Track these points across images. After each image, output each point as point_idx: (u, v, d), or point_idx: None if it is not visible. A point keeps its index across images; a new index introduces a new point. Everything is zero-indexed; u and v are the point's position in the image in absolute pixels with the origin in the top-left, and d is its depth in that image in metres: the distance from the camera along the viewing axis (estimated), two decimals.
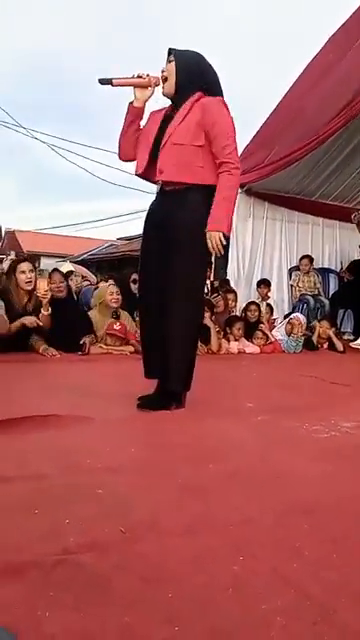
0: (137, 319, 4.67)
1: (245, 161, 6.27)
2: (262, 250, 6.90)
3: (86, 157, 10.81)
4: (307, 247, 7.19)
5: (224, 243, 2.33)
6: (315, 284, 6.87)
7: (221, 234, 2.31)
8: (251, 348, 5.19)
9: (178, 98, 2.44)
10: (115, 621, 0.89)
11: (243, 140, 6.21)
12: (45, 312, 3.92)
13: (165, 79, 2.46)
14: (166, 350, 2.39)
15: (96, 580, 0.99)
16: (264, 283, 6.49)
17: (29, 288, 3.90)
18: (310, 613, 0.95)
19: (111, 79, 2.45)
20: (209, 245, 2.33)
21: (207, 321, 4.86)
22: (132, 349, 4.34)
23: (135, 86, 2.51)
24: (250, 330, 5.35)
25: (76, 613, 0.90)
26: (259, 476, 1.63)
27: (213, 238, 2.32)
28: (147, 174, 2.47)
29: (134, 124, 2.55)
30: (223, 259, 6.87)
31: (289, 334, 5.45)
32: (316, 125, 5.48)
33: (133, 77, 2.50)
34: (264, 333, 5.36)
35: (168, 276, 2.37)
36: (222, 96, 2.47)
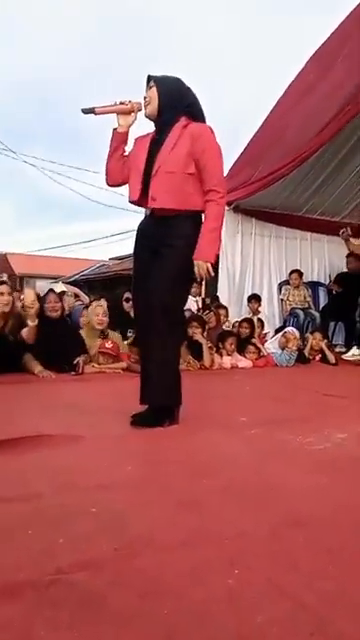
0: (129, 339, 4.72)
1: (232, 179, 6.36)
2: (252, 266, 6.97)
3: (77, 179, 10.92)
4: (296, 261, 7.27)
5: (212, 273, 2.43)
6: (305, 298, 6.93)
7: (209, 264, 2.40)
8: (244, 362, 5.20)
9: (162, 121, 2.50)
10: (111, 639, 0.88)
11: (230, 158, 6.32)
12: (31, 323, 3.91)
13: (148, 104, 2.52)
14: (149, 366, 2.45)
15: (91, 598, 0.99)
16: (254, 298, 6.54)
17: (5, 310, 3.90)
18: (307, 624, 0.95)
19: (93, 108, 2.50)
20: (196, 273, 2.41)
21: (199, 337, 4.88)
22: (124, 365, 4.35)
23: (118, 113, 2.56)
24: (242, 345, 5.37)
25: (71, 632, 0.90)
26: (253, 489, 1.63)
27: (201, 268, 2.40)
28: (140, 201, 2.52)
29: (119, 150, 2.61)
30: (213, 276, 6.93)
31: (283, 348, 5.47)
32: (300, 142, 5.61)
33: (115, 104, 2.55)
34: (256, 347, 5.39)
35: (152, 295, 2.43)
36: (204, 119, 2.54)
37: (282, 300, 7.00)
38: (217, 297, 6.56)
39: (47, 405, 2.86)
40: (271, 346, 5.60)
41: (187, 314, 5.52)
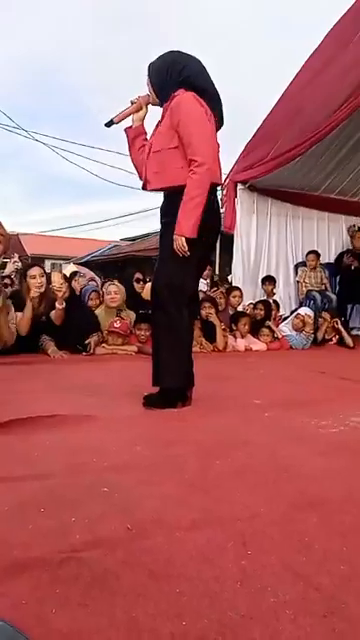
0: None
1: (248, 156, 6.26)
2: (267, 246, 6.87)
3: (88, 158, 10.84)
4: (313, 242, 7.15)
5: (184, 249, 2.35)
6: (322, 279, 6.83)
7: (183, 239, 2.34)
8: (258, 345, 5.17)
9: (162, 104, 2.52)
10: (123, 617, 0.88)
11: (245, 136, 6.21)
12: (59, 306, 3.95)
13: (149, 94, 2.57)
14: (158, 348, 2.46)
15: (103, 576, 0.99)
16: (269, 280, 6.47)
17: (40, 292, 3.93)
18: (320, 606, 0.94)
19: (112, 119, 2.59)
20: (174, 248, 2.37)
21: (213, 318, 4.84)
22: (135, 349, 4.35)
23: (132, 113, 2.61)
24: (256, 327, 5.33)
25: (83, 609, 0.90)
26: (267, 471, 1.62)
27: (176, 242, 2.36)
28: (145, 187, 2.56)
29: (136, 142, 2.63)
30: (227, 256, 6.86)
31: (296, 330, 5.42)
32: (318, 119, 5.46)
33: (128, 107, 2.60)
34: (271, 330, 5.34)
35: (154, 277, 2.49)
36: (205, 87, 2.47)
37: (298, 282, 6.91)
38: (226, 279, 6.51)
39: (60, 385, 2.88)
40: (285, 328, 5.55)
41: (200, 295, 5.51)
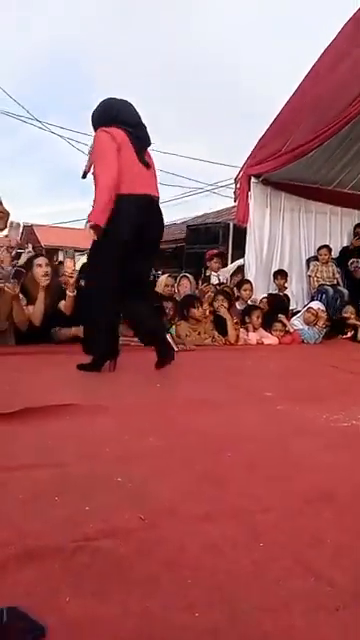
0: None
1: (261, 151, 6.21)
2: (280, 240, 6.83)
3: None
4: (325, 237, 7.10)
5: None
6: (334, 274, 6.77)
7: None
8: (270, 339, 5.14)
9: None
10: (136, 606, 0.89)
11: (258, 130, 6.16)
12: (70, 293, 3.93)
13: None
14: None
15: (116, 566, 1.00)
16: (280, 274, 6.43)
17: (46, 282, 3.92)
18: (332, 599, 0.94)
19: (85, 171, 3.07)
20: None
21: (224, 312, 4.83)
22: None
23: None
24: (268, 321, 5.30)
25: (96, 598, 0.90)
26: (278, 464, 1.62)
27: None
28: None
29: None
30: (240, 250, 6.83)
31: (309, 324, 5.39)
32: (332, 113, 5.39)
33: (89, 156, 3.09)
34: (283, 323, 5.31)
35: None
36: (129, 116, 3.06)
37: (310, 276, 6.86)
38: (237, 273, 6.49)
39: (73, 376, 2.89)
40: (297, 322, 5.52)
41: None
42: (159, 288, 5.67)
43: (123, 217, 2.88)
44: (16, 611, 0.80)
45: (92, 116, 3.10)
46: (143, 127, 3.11)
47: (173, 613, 0.88)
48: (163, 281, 5.83)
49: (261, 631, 0.85)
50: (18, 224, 3.65)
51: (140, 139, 3.06)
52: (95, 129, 3.03)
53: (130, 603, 0.89)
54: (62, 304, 3.98)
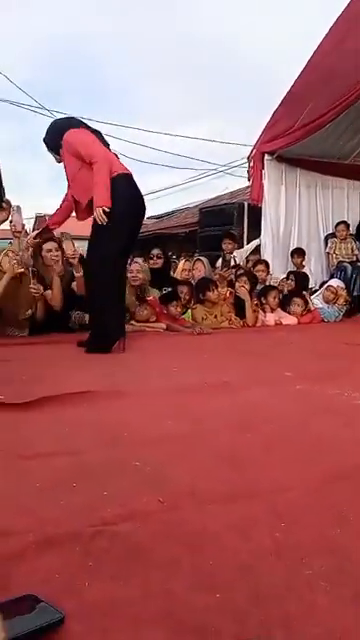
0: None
1: (274, 127, 6.10)
2: (297, 218, 6.72)
3: (112, 136, 10.76)
4: (343, 213, 6.97)
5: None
6: (353, 250, 6.66)
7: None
8: (288, 319, 5.09)
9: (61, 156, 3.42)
10: (157, 589, 0.88)
11: (270, 106, 6.04)
12: (77, 274, 3.94)
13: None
14: None
15: (135, 549, 0.99)
16: (298, 252, 6.35)
17: (58, 266, 3.93)
18: (356, 578, 0.92)
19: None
20: None
21: (244, 294, 4.78)
22: (164, 326, 4.32)
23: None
24: (288, 299, 5.23)
25: (117, 582, 0.90)
26: (299, 444, 1.59)
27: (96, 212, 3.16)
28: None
29: (61, 211, 3.80)
30: (256, 231, 6.74)
31: (328, 302, 5.32)
32: (346, 84, 5.26)
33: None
34: (304, 300, 5.21)
35: None
36: (72, 125, 3.38)
37: (328, 254, 6.76)
38: (254, 253, 6.42)
39: (90, 362, 2.90)
40: (316, 301, 5.45)
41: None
42: (177, 272, 5.64)
43: (122, 194, 3.09)
44: (34, 598, 0.80)
45: (54, 129, 3.36)
46: (101, 133, 3.46)
47: (195, 594, 0.87)
48: (181, 266, 5.80)
49: (284, 611, 0.84)
50: (19, 207, 3.66)
51: (103, 139, 3.38)
52: (61, 137, 3.27)
53: (150, 585, 0.89)
54: (73, 285, 3.99)
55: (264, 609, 0.84)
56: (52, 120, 3.54)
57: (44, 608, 0.79)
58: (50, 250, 3.96)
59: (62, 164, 3.38)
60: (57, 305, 3.92)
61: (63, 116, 3.65)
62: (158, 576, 0.91)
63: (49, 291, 3.89)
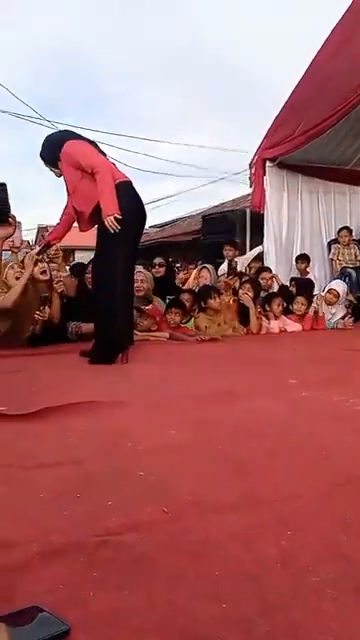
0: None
1: (275, 134, 6.11)
2: (300, 224, 6.72)
3: (111, 145, 10.84)
4: (346, 218, 6.96)
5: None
6: (356, 256, 6.64)
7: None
8: (293, 326, 5.07)
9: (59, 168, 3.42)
10: (161, 599, 0.87)
11: (270, 114, 6.06)
12: (64, 273, 3.97)
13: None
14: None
15: (140, 559, 0.98)
16: (302, 258, 6.34)
17: (45, 278, 3.92)
18: None
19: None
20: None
21: (247, 300, 4.77)
22: (167, 335, 4.30)
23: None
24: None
25: (121, 592, 0.89)
26: (304, 451, 1.58)
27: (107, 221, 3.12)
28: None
29: (61, 224, 3.72)
30: (259, 237, 6.75)
31: (331, 304, 5.30)
32: (346, 89, 5.26)
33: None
34: (309, 301, 5.16)
35: None
36: (69, 137, 3.40)
37: (332, 260, 6.74)
38: (255, 260, 6.42)
39: (92, 373, 2.90)
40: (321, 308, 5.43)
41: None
42: (189, 283, 5.65)
43: (125, 201, 3.11)
44: (39, 610, 0.80)
45: (50, 143, 3.38)
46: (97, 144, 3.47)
47: (200, 605, 0.86)
48: (193, 274, 5.83)
49: (290, 620, 0.83)
50: (19, 222, 3.69)
51: (99, 149, 3.40)
52: (59, 149, 3.28)
53: (155, 596, 0.88)
54: (63, 287, 4.02)
55: (270, 618, 0.83)
56: (46, 135, 3.50)
57: (49, 619, 0.79)
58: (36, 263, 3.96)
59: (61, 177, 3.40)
60: (56, 318, 3.92)
61: (56, 130, 3.77)
62: (163, 586, 0.91)
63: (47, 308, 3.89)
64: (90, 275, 4.16)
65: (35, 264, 3.72)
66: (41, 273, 3.85)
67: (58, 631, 0.76)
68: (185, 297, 4.78)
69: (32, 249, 5.52)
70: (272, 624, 0.82)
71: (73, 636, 0.77)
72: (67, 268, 5.22)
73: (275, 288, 5.68)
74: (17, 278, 3.68)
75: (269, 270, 5.78)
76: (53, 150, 3.32)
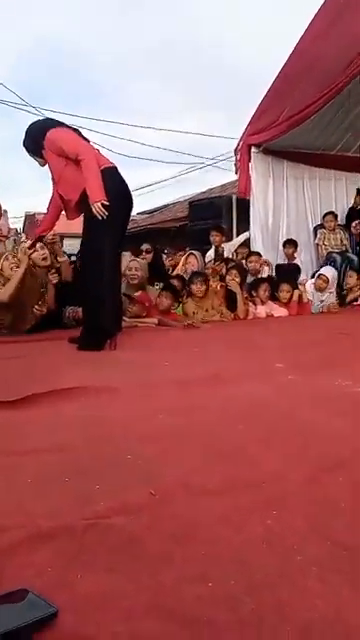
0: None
1: (260, 119, 6.08)
2: (285, 210, 6.72)
3: (98, 131, 10.71)
4: (331, 203, 6.98)
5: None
6: (342, 241, 6.68)
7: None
8: (279, 311, 5.09)
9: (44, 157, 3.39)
10: (149, 581, 0.88)
11: (254, 99, 6.03)
12: (62, 258, 4.06)
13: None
14: None
15: (128, 542, 0.99)
16: (289, 243, 6.35)
17: (46, 264, 3.92)
18: (347, 564, 0.93)
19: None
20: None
21: (234, 286, 4.78)
22: (156, 321, 4.31)
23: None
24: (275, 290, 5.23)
25: (109, 574, 0.90)
26: (291, 434, 1.60)
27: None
28: None
29: (50, 213, 3.73)
30: (245, 223, 6.74)
31: (320, 290, 5.33)
32: (332, 73, 5.25)
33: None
34: (292, 287, 5.17)
35: None
36: (52, 125, 3.38)
37: (317, 245, 6.77)
38: (242, 246, 6.42)
39: (81, 358, 2.89)
40: (309, 291, 5.46)
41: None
42: (178, 269, 5.65)
43: (111, 187, 3.11)
44: (27, 593, 0.80)
45: (34, 131, 3.36)
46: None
47: (187, 585, 0.87)
48: (181, 261, 5.83)
49: (276, 598, 0.84)
50: (5, 210, 3.69)
51: (82, 136, 3.40)
52: (42, 137, 3.27)
53: (143, 578, 0.89)
54: (62, 273, 4.04)
55: (257, 597, 0.84)
56: (29, 124, 3.48)
57: (37, 602, 0.79)
58: (36, 250, 3.94)
59: (45, 166, 3.39)
60: (52, 305, 3.92)
61: (39, 118, 3.68)
62: (150, 568, 0.91)
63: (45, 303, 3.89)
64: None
65: (29, 257, 3.72)
66: (42, 259, 3.85)
67: (46, 613, 0.76)
68: (174, 283, 4.79)
69: (20, 237, 5.48)
70: (259, 602, 0.83)
71: (61, 618, 0.77)
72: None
73: (265, 272, 5.69)
74: (12, 269, 3.66)
75: (258, 254, 5.78)
76: (37, 138, 3.30)
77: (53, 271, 3.98)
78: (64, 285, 4.04)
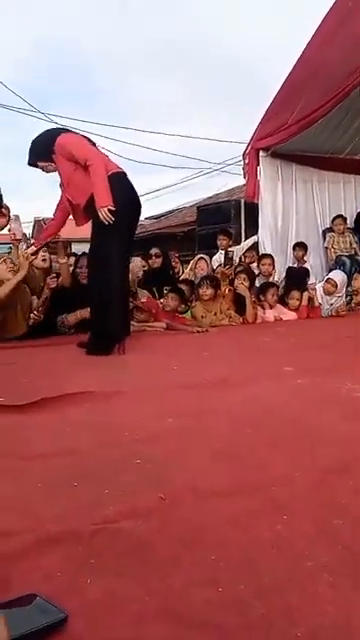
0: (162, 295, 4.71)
1: (268, 123, 6.08)
2: (294, 214, 6.70)
3: (107, 137, 10.76)
4: (340, 207, 6.95)
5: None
6: (351, 244, 6.64)
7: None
8: (288, 315, 5.07)
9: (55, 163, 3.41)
10: (158, 585, 0.88)
11: (262, 103, 6.03)
12: (62, 260, 4.04)
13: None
14: None
15: (137, 546, 0.99)
16: (299, 246, 6.32)
17: (45, 265, 3.94)
18: (357, 568, 0.92)
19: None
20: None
21: (243, 290, 4.77)
22: (164, 325, 4.31)
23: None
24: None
25: (118, 579, 0.90)
26: (300, 437, 1.59)
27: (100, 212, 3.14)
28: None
29: (57, 218, 3.74)
30: (253, 227, 6.73)
31: (329, 294, 5.31)
32: (339, 77, 5.24)
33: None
34: (300, 293, 5.16)
35: None
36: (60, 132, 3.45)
37: (326, 248, 6.74)
38: (250, 250, 6.40)
39: (88, 363, 2.90)
40: (318, 296, 5.44)
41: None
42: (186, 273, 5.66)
43: (119, 192, 3.14)
44: (35, 598, 0.80)
45: (45, 137, 3.39)
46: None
47: (196, 589, 0.87)
48: (190, 265, 5.84)
49: (285, 603, 0.84)
50: (17, 216, 3.72)
51: (91, 142, 3.45)
52: (52, 143, 3.30)
53: (152, 582, 0.89)
54: (60, 278, 4.03)
55: (266, 601, 0.84)
56: (36, 135, 3.50)
57: (46, 607, 0.79)
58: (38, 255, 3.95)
59: (51, 173, 3.43)
60: (44, 312, 3.92)
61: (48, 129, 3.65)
62: (160, 572, 0.91)
63: (35, 298, 3.89)
64: (80, 269, 4.18)
65: (30, 263, 3.73)
66: (42, 261, 3.87)
67: (55, 619, 0.76)
68: (183, 288, 4.80)
69: (29, 242, 5.51)
70: (268, 607, 0.82)
71: (70, 624, 0.77)
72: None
73: (275, 276, 5.68)
74: (9, 272, 3.68)
75: (270, 257, 5.77)
76: (48, 144, 3.33)
77: (53, 275, 3.97)
78: (60, 291, 4.02)
